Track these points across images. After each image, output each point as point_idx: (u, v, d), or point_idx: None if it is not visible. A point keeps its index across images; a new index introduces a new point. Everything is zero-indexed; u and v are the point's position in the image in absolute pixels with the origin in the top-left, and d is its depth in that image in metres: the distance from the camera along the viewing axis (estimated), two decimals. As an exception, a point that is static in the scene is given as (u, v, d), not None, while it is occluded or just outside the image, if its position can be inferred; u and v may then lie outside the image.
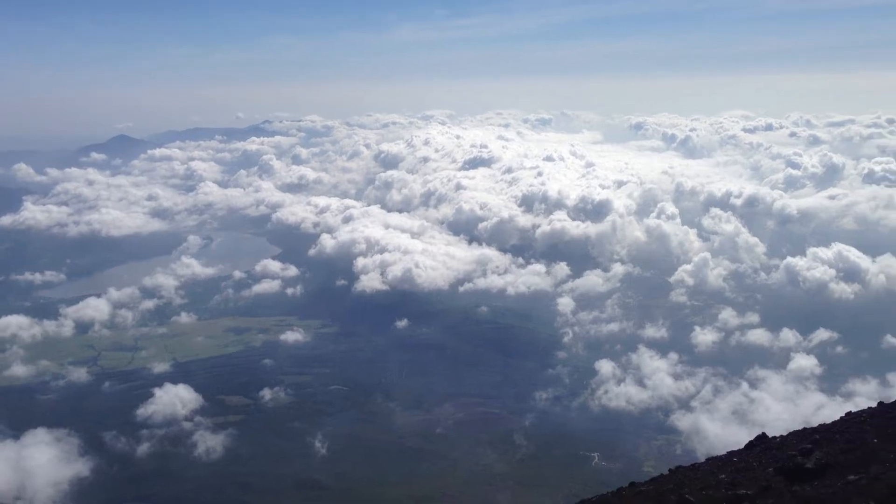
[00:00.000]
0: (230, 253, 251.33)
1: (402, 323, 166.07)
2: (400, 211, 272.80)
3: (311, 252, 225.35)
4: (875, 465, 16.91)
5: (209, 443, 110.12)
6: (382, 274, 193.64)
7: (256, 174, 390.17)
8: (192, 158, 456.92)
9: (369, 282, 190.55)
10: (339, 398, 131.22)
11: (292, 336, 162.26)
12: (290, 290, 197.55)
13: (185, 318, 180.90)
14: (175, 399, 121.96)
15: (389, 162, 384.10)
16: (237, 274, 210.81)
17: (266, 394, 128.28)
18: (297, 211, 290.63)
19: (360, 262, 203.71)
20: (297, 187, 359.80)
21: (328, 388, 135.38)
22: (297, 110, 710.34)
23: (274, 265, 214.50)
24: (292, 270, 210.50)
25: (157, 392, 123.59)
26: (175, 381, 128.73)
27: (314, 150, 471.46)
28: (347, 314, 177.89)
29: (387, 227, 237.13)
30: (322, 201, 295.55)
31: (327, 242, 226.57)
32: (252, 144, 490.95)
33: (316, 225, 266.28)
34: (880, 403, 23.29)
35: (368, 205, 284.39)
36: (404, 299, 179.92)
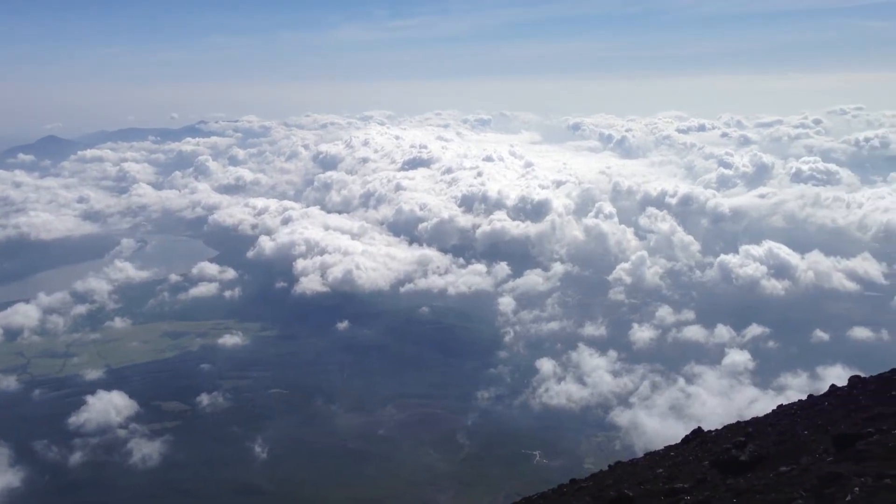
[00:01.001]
0: (165, 256, 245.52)
1: (342, 324, 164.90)
2: (339, 212, 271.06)
3: (250, 254, 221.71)
4: (805, 457, 17.30)
5: (145, 450, 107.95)
6: (322, 276, 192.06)
7: (192, 175, 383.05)
8: (124, 159, 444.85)
9: (309, 284, 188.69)
10: (279, 402, 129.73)
11: (230, 339, 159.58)
12: (228, 293, 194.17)
13: (119, 322, 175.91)
14: (109, 406, 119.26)
15: (328, 163, 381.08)
16: (173, 277, 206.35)
17: (204, 399, 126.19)
18: (234, 213, 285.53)
19: (300, 263, 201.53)
20: (234, 189, 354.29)
21: (268, 391, 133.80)
22: (234, 110, 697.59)
23: (211, 268, 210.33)
24: (230, 273, 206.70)
25: (90, 399, 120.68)
26: (109, 388, 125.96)
27: (251, 150, 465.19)
28: (287, 317, 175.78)
29: (326, 228, 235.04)
30: (260, 203, 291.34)
31: (266, 244, 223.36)
32: (187, 145, 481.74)
33: (254, 227, 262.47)
34: (810, 396, 23.90)
35: (307, 206, 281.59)
36: (345, 301, 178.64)
